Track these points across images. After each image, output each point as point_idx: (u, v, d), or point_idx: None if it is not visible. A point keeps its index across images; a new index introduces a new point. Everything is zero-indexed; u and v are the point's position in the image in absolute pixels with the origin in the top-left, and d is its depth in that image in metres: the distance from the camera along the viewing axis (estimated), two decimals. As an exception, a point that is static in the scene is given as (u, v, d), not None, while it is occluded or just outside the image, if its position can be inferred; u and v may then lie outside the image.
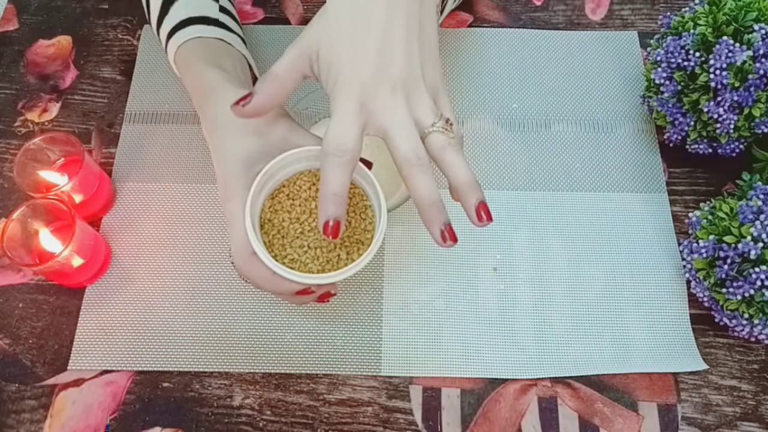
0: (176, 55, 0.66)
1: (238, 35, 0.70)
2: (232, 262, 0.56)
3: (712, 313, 0.65)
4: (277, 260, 0.53)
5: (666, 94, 0.69)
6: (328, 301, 0.60)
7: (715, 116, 0.65)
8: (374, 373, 0.65)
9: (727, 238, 0.60)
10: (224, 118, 0.56)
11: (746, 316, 0.60)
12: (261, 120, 0.55)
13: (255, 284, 0.55)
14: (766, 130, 0.66)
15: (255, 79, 0.69)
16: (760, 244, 0.58)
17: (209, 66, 0.63)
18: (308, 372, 0.65)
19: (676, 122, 0.70)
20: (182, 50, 0.66)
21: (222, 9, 0.70)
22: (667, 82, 0.68)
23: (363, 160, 0.54)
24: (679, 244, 0.70)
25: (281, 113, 0.57)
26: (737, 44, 0.63)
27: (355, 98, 0.48)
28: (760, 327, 0.61)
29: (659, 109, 0.71)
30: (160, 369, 0.65)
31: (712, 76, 0.64)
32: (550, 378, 0.65)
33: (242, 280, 0.65)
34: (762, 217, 0.59)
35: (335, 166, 0.48)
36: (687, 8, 0.69)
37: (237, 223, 0.53)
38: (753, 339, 0.64)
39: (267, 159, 0.54)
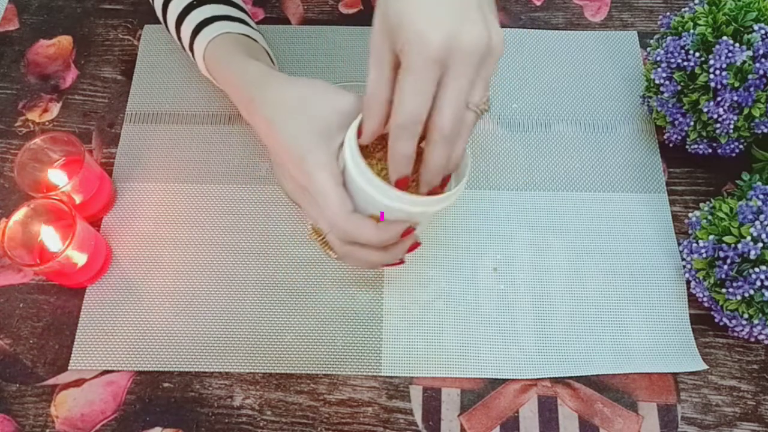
0: (207, 50, 0.67)
1: (259, 32, 0.71)
2: (320, 239, 0.59)
3: (712, 313, 0.65)
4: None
5: (666, 94, 0.68)
6: (403, 262, 0.61)
7: (715, 116, 0.65)
8: (374, 374, 0.65)
9: (727, 239, 0.60)
10: (290, 101, 0.57)
11: (746, 316, 0.60)
12: (327, 97, 0.56)
13: (365, 239, 0.55)
14: (765, 130, 0.66)
15: None
16: (760, 245, 0.58)
17: (250, 58, 0.64)
18: (308, 372, 0.65)
19: (676, 122, 0.70)
20: (214, 45, 0.66)
21: (240, 8, 0.71)
22: (667, 82, 0.68)
23: None
24: (679, 244, 0.70)
25: (337, 87, 0.57)
26: (737, 44, 0.63)
27: (432, 65, 0.47)
28: (759, 327, 0.61)
29: (659, 109, 0.71)
30: (161, 369, 0.65)
31: (711, 76, 0.64)
32: (550, 378, 0.65)
33: (333, 255, 0.63)
34: (762, 217, 0.58)
35: (408, 137, 0.49)
36: (687, 8, 0.69)
37: (329, 192, 0.53)
38: (753, 339, 0.64)
39: (343, 129, 0.54)
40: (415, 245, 0.60)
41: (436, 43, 0.46)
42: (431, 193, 0.53)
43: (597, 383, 0.65)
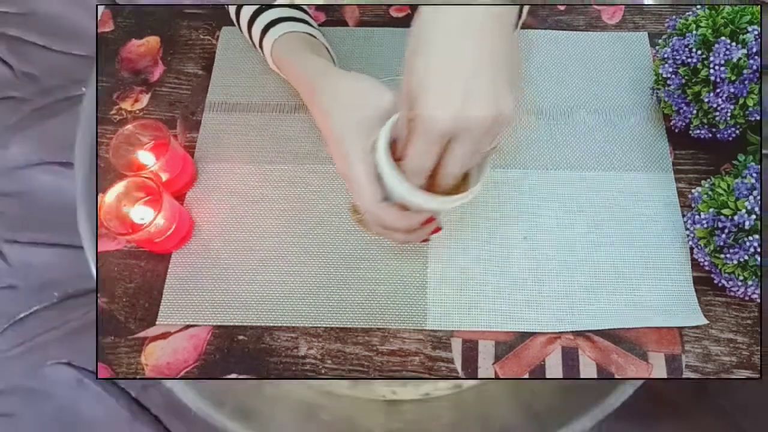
0: (273, 47, 0.70)
1: (319, 30, 0.74)
2: (357, 221, 0.63)
3: (712, 275, 0.68)
4: None
5: (672, 87, 0.71)
6: (428, 240, 0.66)
7: (715, 105, 0.67)
8: (420, 327, 0.68)
9: (725, 211, 0.63)
10: (343, 95, 0.59)
11: (741, 278, 0.63)
12: (372, 95, 0.58)
13: (390, 225, 0.57)
14: (758, 118, 0.68)
15: None
16: (753, 216, 0.60)
17: (313, 54, 0.68)
18: (363, 326, 0.68)
19: (681, 111, 0.72)
20: (280, 43, 0.70)
21: (304, 11, 0.75)
22: (673, 76, 0.70)
23: None
24: (683, 216, 0.72)
25: (382, 84, 0.59)
26: (734, 43, 0.65)
27: (438, 139, 0.48)
28: (753, 287, 0.64)
29: (666, 99, 0.73)
30: (236, 324, 0.68)
31: (712, 71, 0.66)
32: (572, 331, 0.67)
33: (367, 231, 0.66)
34: (755, 192, 0.61)
35: (417, 179, 0.53)
36: (690, 12, 0.71)
37: (363, 183, 0.55)
38: (747, 298, 0.67)
39: (380, 123, 0.55)
40: (437, 229, 0.63)
41: (443, 124, 0.46)
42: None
43: (613, 336, 0.67)
